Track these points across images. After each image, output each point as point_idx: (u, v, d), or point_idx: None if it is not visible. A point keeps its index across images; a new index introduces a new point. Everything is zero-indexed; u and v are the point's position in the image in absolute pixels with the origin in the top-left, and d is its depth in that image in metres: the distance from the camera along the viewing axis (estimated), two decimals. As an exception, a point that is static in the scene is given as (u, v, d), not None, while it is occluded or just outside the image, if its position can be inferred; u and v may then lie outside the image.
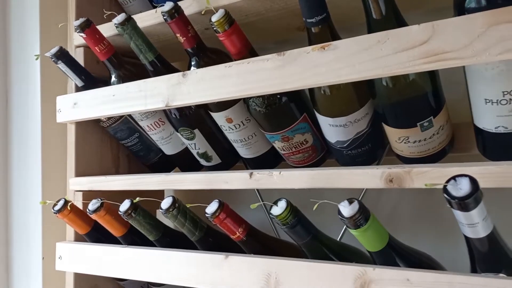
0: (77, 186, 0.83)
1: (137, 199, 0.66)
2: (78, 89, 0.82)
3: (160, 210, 0.62)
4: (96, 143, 0.87)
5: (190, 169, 0.87)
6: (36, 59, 0.89)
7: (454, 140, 0.65)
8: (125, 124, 0.84)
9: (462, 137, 0.65)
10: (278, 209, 0.53)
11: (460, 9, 0.51)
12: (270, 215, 0.53)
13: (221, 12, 0.60)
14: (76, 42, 0.84)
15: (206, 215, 0.59)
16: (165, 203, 0.62)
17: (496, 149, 0.57)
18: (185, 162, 0.87)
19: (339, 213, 0.48)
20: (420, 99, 0.57)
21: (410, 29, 0.49)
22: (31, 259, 0.97)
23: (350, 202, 0.48)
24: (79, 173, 0.84)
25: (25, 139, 0.98)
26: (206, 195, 0.72)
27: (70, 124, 0.84)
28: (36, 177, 0.95)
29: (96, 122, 0.84)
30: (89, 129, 0.85)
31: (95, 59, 0.82)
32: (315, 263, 0.54)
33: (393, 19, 0.53)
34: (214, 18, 0.60)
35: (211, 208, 0.58)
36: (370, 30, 0.54)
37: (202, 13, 0.62)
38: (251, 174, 0.63)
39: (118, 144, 0.89)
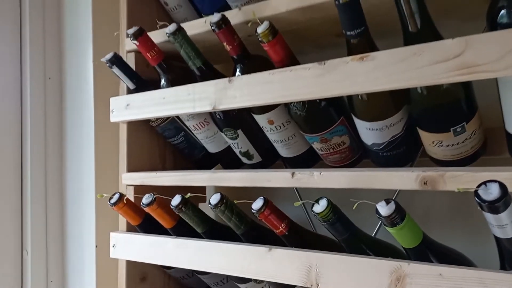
0: (129, 180, 0.90)
1: (188, 195, 0.72)
2: (129, 91, 0.89)
3: (209, 205, 0.68)
4: (145, 141, 0.94)
5: (232, 166, 0.93)
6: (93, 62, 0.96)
7: (487, 144, 0.68)
8: (172, 124, 0.90)
9: (495, 141, 0.68)
10: (319, 207, 0.58)
11: (493, 23, 0.54)
12: (312, 212, 0.58)
13: (266, 24, 0.65)
14: (127, 47, 0.90)
15: (252, 211, 0.64)
16: (214, 199, 0.68)
17: (526, 153, 0.60)
18: (227, 159, 0.93)
19: (377, 212, 0.53)
20: (453, 105, 0.61)
21: (444, 43, 0.53)
22: (85, 248, 1.06)
23: (387, 202, 0.53)
24: (131, 168, 0.91)
25: (79, 138, 1.06)
26: (247, 192, 0.77)
27: (122, 124, 0.91)
28: (90, 173, 1.03)
29: (146, 121, 0.91)
30: (140, 128, 0.92)
31: (145, 63, 0.89)
32: (353, 257, 0.58)
33: (429, 32, 0.57)
34: (260, 30, 0.65)
35: (257, 204, 0.64)
36: (407, 42, 0.58)
37: (249, 25, 0.67)
38: (293, 173, 0.68)
39: (165, 141, 0.96)
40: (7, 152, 1.07)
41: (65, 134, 1.10)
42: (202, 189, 0.95)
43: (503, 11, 0.52)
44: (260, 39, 0.65)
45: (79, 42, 1.04)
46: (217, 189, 1.00)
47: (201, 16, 0.95)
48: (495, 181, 0.46)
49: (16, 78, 1.07)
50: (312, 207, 0.58)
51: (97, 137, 1.03)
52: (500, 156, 0.67)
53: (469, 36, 0.51)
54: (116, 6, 0.93)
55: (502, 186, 0.45)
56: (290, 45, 0.69)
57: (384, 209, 0.52)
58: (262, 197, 0.65)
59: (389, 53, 0.57)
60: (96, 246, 1.03)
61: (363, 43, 0.61)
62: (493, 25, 0.53)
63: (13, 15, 1.06)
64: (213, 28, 0.70)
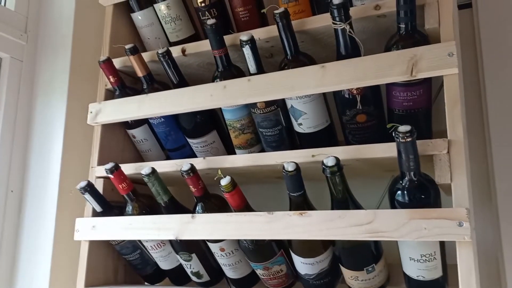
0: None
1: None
2: (96, 213, 1.00)
3: None
4: (102, 257, 1.03)
5: (180, 281, 1.05)
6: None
7: (390, 277, 0.89)
8: (131, 243, 1.02)
9: (395, 274, 0.89)
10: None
11: (392, 199, 0.77)
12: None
13: (228, 178, 0.83)
14: (97, 174, 1.03)
15: None
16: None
17: (417, 289, 0.82)
18: (176, 275, 1.06)
19: None
20: (366, 252, 0.82)
21: (360, 212, 0.74)
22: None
23: None
24: (88, 284, 0.99)
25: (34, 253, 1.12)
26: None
27: (84, 242, 1.01)
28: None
29: (106, 242, 1.01)
30: (100, 246, 1.02)
31: (111, 187, 1.02)
32: None
33: (349, 201, 0.78)
34: (223, 183, 0.82)
35: None
36: (333, 207, 0.79)
37: (215, 178, 0.85)
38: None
39: (118, 256, 1.06)
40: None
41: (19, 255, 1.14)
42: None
43: (398, 192, 0.75)
44: (222, 190, 0.83)
45: (48, 168, 1.14)
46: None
47: (163, 149, 1.12)
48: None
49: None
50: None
51: (54, 255, 1.09)
52: (399, 287, 0.88)
53: (377, 210, 0.73)
54: (88, 141, 1.06)
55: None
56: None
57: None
58: None
59: (321, 213, 0.77)
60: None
61: (302, 202, 0.81)
62: (392, 200, 0.76)
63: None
64: (183, 174, 0.87)
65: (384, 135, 0.83)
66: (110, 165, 0.93)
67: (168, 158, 1.13)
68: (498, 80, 0.96)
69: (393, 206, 0.76)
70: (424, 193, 0.73)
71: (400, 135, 0.68)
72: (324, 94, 0.90)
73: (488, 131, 0.96)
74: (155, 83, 1.04)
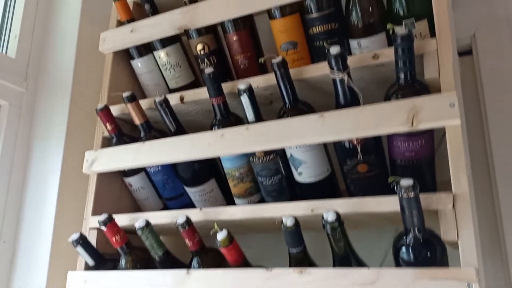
0: None
1: None
2: (88, 267, 0.96)
3: None
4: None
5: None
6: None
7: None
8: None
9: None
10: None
11: (396, 252, 0.73)
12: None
13: (224, 232, 0.79)
14: (91, 225, 1.00)
15: None
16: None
17: None
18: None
19: None
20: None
21: (363, 270, 0.70)
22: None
23: None
24: None
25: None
26: None
27: (76, 294, 0.97)
28: None
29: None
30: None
31: (105, 238, 0.98)
32: None
33: (351, 256, 0.74)
34: (219, 237, 0.79)
35: None
36: (334, 262, 0.75)
37: (210, 233, 0.81)
38: None
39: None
40: None
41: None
42: None
43: (403, 249, 0.71)
44: (218, 244, 0.79)
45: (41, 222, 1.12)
46: None
47: (160, 197, 1.10)
48: None
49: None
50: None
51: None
52: None
53: (381, 268, 0.69)
54: (84, 190, 1.04)
55: None
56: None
57: None
58: None
59: (322, 271, 0.73)
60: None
61: (302, 258, 0.77)
62: (396, 257, 0.72)
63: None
64: (178, 228, 0.84)
65: (387, 185, 0.80)
66: (103, 216, 0.90)
67: (165, 206, 1.10)
68: (502, 127, 0.93)
69: (397, 263, 0.72)
70: (430, 251, 0.69)
71: (403, 190, 0.65)
72: (324, 143, 0.88)
73: (494, 180, 0.93)
74: (153, 130, 1.02)
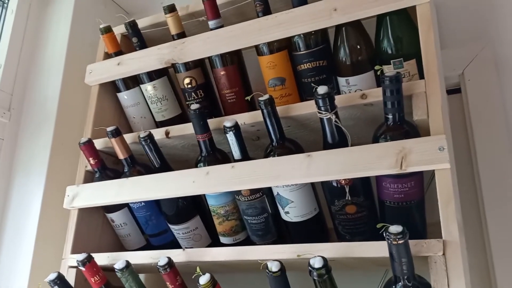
0: None
1: None
2: (65, 308, 0.92)
3: None
4: None
5: None
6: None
7: None
8: None
9: None
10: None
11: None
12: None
13: (207, 276, 0.76)
14: (70, 263, 0.96)
15: None
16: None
17: None
18: None
19: None
20: None
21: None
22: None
23: None
24: None
25: None
26: None
27: None
28: None
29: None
30: None
31: (84, 278, 0.94)
32: None
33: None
34: (202, 281, 0.76)
35: None
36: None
37: (192, 277, 0.78)
38: None
39: None
40: None
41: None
42: None
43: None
44: (201, 288, 0.76)
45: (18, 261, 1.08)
46: None
47: (143, 233, 1.06)
48: None
49: None
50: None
51: None
52: None
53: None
54: (65, 226, 1.00)
55: None
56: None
57: None
58: None
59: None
60: None
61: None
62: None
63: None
64: (159, 270, 0.80)
65: (376, 227, 0.78)
66: (82, 256, 0.86)
67: (148, 243, 1.07)
68: (493, 169, 0.92)
69: (387, 312, 0.69)
70: (420, 300, 0.66)
71: (392, 237, 0.62)
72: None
73: (485, 225, 0.91)
74: (136, 165, 1.00)
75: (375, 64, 0.88)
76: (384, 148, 0.73)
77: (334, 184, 0.81)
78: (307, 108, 0.84)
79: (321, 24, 0.86)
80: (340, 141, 0.79)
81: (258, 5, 0.92)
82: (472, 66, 0.96)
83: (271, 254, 0.77)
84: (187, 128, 0.95)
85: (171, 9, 1.00)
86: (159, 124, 1.11)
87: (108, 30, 1.05)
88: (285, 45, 0.94)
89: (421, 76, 0.82)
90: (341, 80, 0.91)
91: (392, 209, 0.79)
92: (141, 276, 1.07)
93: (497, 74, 0.95)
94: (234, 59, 1.00)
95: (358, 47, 0.88)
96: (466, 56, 0.98)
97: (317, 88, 0.75)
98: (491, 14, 0.98)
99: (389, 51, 0.86)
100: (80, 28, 1.23)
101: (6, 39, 1.20)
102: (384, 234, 0.63)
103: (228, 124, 0.84)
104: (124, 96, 1.10)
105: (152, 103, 1.09)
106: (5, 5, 1.26)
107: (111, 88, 1.11)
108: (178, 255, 0.85)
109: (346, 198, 0.80)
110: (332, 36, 0.92)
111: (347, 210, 0.81)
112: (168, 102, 1.09)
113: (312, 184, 0.87)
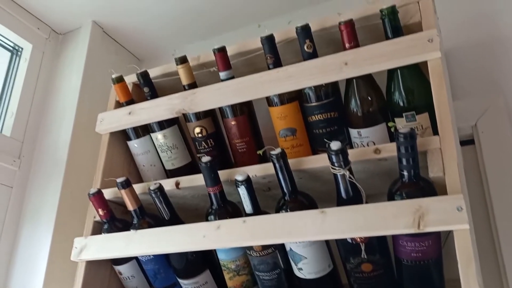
0: None
1: None
2: None
3: None
4: None
5: None
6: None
7: None
8: None
9: None
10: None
11: None
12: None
13: None
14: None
15: None
16: None
17: None
18: None
19: None
20: None
21: None
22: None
23: None
24: None
25: None
26: None
27: None
28: None
29: None
30: None
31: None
32: None
33: None
34: None
35: None
36: None
37: None
38: None
39: None
40: None
41: None
42: None
43: None
44: None
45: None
46: None
47: (151, 286, 1.04)
48: None
49: None
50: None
51: None
52: None
53: None
54: (72, 277, 0.98)
55: None
56: None
57: None
58: None
59: None
60: None
61: None
62: None
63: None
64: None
65: (393, 284, 0.76)
66: (89, 314, 0.84)
67: (156, 296, 1.04)
68: (509, 219, 0.89)
69: None
70: None
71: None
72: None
73: (506, 280, 0.87)
74: (146, 216, 0.98)
75: (387, 116, 0.88)
76: (400, 206, 0.71)
77: (349, 241, 0.78)
78: (320, 161, 0.83)
79: (332, 78, 0.86)
80: (355, 196, 0.77)
81: (269, 57, 0.92)
82: (485, 117, 0.95)
83: (285, 315, 0.74)
84: (198, 179, 0.94)
85: (182, 60, 1.00)
86: (168, 173, 1.11)
87: (120, 80, 1.06)
88: (295, 96, 0.94)
89: (434, 129, 0.81)
90: (353, 132, 0.90)
91: (410, 268, 0.76)
92: (149, 331, 1.03)
93: (510, 126, 0.94)
94: (244, 109, 1.00)
95: (369, 99, 0.88)
96: (478, 107, 0.97)
97: (330, 143, 0.74)
98: (502, 65, 0.98)
99: (401, 104, 0.85)
100: (92, 77, 1.24)
101: (19, 88, 1.22)
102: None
103: (239, 178, 0.83)
104: (134, 145, 1.10)
105: (162, 151, 1.09)
106: (19, 53, 1.29)
107: (122, 136, 1.11)
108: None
109: (362, 256, 0.78)
110: (342, 87, 0.92)
111: (363, 268, 0.79)
112: (178, 151, 1.08)
113: (326, 240, 0.85)
